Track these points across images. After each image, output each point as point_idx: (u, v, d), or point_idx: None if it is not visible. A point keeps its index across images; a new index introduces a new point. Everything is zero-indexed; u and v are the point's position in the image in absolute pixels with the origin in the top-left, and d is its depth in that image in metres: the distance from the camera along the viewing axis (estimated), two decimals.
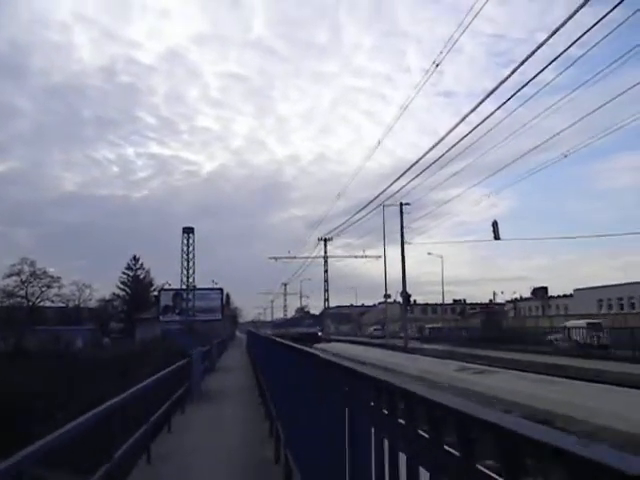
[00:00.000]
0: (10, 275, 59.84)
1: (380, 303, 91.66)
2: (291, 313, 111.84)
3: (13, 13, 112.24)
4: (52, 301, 64.77)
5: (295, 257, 65.03)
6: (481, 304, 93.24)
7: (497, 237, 30.05)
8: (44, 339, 50.14)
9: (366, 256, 61.33)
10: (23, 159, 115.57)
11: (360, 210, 43.66)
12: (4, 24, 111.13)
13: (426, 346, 39.61)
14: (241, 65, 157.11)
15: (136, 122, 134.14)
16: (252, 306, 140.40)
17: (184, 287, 35.59)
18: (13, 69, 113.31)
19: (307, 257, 64.90)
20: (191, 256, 34.49)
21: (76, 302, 67.02)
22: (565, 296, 66.38)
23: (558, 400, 11.00)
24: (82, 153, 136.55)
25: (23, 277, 61.07)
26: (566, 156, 21.04)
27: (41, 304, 63.95)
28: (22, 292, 61.62)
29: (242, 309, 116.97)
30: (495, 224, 30.21)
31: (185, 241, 34.25)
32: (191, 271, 35.03)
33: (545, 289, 72.75)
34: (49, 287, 63.03)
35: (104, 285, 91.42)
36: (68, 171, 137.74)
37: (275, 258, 65.48)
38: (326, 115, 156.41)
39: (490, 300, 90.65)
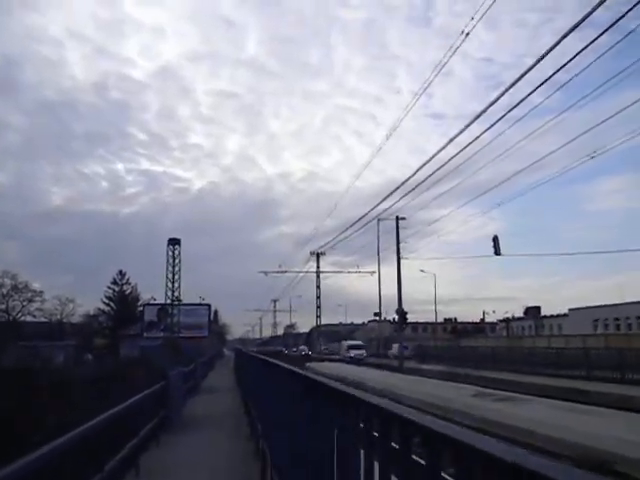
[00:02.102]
0: None
1: (370, 321, 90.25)
2: (280, 330, 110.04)
3: (6, 28, 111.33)
4: (34, 316, 62.75)
5: (286, 271, 63.56)
6: (472, 323, 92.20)
7: (497, 252, 28.99)
8: (22, 355, 48.23)
9: (360, 271, 60.01)
10: (11, 173, 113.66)
11: (350, 227, 42.56)
12: None
13: (424, 366, 37.83)
14: (233, 83, 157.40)
15: (127, 138, 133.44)
16: (241, 323, 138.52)
17: (169, 301, 34.08)
18: (4, 83, 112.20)
19: (299, 271, 63.48)
20: (177, 268, 33.22)
21: (58, 317, 64.99)
22: (559, 316, 65.39)
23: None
24: (72, 168, 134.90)
25: (4, 290, 59.14)
26: (593, 157, 20.32)
27: (22, 319, 61.86)
28: (2, 306, 59.59)
29: (230, 326, 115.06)
30: (496, 239, 29.17)
31: (171, 252, 32.97)
32: (176, 284, 33.67)
33: (538, 308, 71.81)
34: (31, 301, 61.18)
35: (89, 300, 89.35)
36: (57, 185, 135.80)
37: (265, 272, 63.98)
38: (317, 134, 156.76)
39: (481, 319, 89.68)
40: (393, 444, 1.93)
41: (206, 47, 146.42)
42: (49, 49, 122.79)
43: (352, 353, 56.07)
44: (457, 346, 50.94)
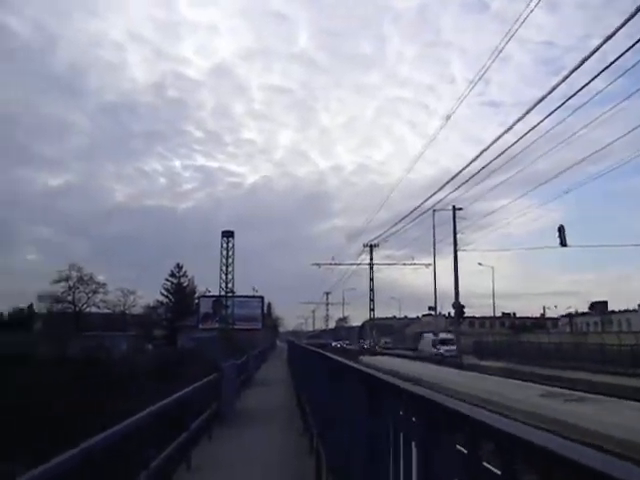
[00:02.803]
0: (59, 281, 60.77)
1: (425, 315, 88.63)
2: (332, 323, 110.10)
3: (72, 36, 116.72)
4: (98, 307, 65.46)
5: (339, 264, 62.99)
6: (531, 318, 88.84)
7: (563, 243, 27.36)
8: (88, 345, 50.34)
9: (415, 263, 58.57)
10: (77, 173, 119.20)
11: (403, 219, 41.49)
12: (64, 47, 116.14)
13: (484, 363, 36.21)
14: (285, 78, 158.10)
15: (183, 135, 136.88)
16: (293, 316, 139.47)
17: (223, 292, 34.46)
18: (71, 89, 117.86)
19: (352, 264, 62.79)
20: (230, 260, 33.49)
21: (121, 308, 67.46)
22: (628, 311, 61.82)
23: None
24: (132, 166, 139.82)
25: (71, 283, 61.88)
26: None
27: (87, 310, 64.68)
28: (69, 297, 62.40)
29: (283, 318, 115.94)
30: (562, 229, 27.51)
31: (225, 245, 33.31)
32: (230, 276, 33.92)
33: (605, 303, 68.21)
34: (95, 293, 63.76)
35: (149, 292, 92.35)
36: (119, 183, 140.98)
37: (318, 264, 63.65)
38: (368, 126, 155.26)
39: (541, 314, 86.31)
40: (459, 447, 1.76)
41: (258, 43, 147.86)
42: (111, 53, 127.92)
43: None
44: (517, 342, 48.65)
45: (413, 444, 2.30)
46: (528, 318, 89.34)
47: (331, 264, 62.79)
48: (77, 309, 62.87)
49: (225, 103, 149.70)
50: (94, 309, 65.42)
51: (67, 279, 61.24)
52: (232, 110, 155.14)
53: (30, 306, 67.03)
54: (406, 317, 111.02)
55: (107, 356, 44.40)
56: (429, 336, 53.67)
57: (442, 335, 49.62)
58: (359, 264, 61.50)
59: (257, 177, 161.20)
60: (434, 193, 33.55)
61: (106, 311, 66.16)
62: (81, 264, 62.84)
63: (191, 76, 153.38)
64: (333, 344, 78.61)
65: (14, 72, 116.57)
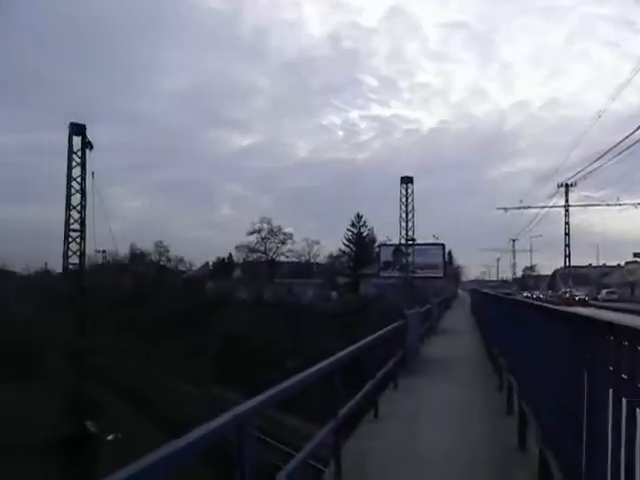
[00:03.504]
0: (252, 233, 66.79)
1: (629, 262, 78.21)
2: (519, 272, 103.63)
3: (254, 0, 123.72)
4: (286, 256, 70.63)
5: (528, 207, 57.34)
6: None
7: None
8: (279, 291, 54.86)
9: (622, 204, 50.71)
10: (263, 133, 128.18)
11: (602, 156, 35.76)
12: (248, 13, 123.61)
13: None
14: (461, 12, 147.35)
15: (359, 85, 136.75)
16: (475, 264, 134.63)
17: (403, 240, 34.03)
18: (255, 51, 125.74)
19: (543, 207, 56.73)
20: (410, 207, 32.71)
21: (306, 257, 71.84)
22: None
23: None
24: (312, 121, 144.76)
25: (262, 234, 67.50)
26: None
27: (277, 259, 70.22)
28: (262, 248, 68.27)
29: (464, 267, 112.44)
30: None
31: (404, 191, 32.58)
32: (410, 223, 33.26)
33: None
34: (283, 243, 68.73)
35: (332, 242, 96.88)
36: (301, 139, 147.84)
37: (505, 209, 58.89)
38: (558, 54, 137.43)
39: None
40: None
41: None
42: (289, 12, 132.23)
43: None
44: None
45: None
46: None
47: (519, 208, 57.74)
48: (268, 258, 68.58)
49: (399, 47, 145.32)
50: (283, 258, 70.86)
51: (259, 231, 67.04)
52: (406, 53, 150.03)
53: (230, 256, 75.09)
54: (605, 265, 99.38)
55: (296, 301, 47.95)
56: None
57: None
58: (551, 207, 55.56)
59: (434, 121, 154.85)
60: None
61: (293, 260, 71.19)
62: (270, 217, 67.93)
63: (365, 24, 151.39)
64: (524, 294, 73.64)
65: (208, 42, 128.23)
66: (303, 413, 22.24)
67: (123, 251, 69.77)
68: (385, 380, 8.39)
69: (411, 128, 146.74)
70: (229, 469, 2.82)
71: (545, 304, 5.62)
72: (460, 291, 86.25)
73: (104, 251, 54.42)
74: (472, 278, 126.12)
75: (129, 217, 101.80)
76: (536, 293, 76.13)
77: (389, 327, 9.20)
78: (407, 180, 33.20)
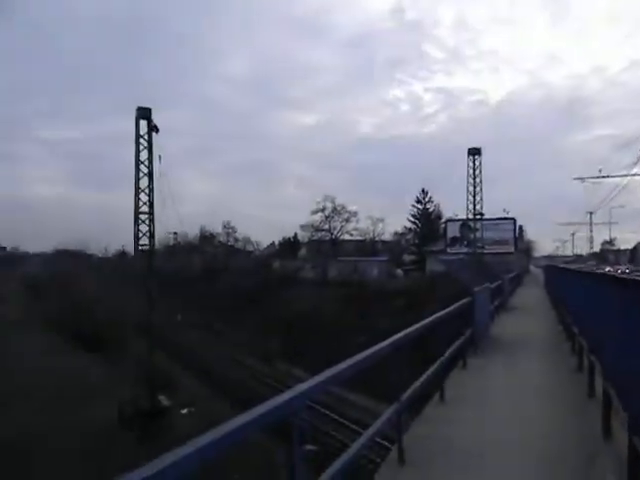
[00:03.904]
0: (316, 211, 66.74)
1: None
2: (597, 247, 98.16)
3: None
4: (351, 234, 70.23)
5: (607, 176, 53.32)
6: None
7: None
8: (344, 269, 54.82)
9: None
10: (327, 111, 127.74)
11: None
12: None
13: None
14: None
15: (423, 57, 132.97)
16: (548, 239, 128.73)
17: (470, 214, 32.65)
18: (318, 29, 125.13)
19: (624, 175, 52.63)
20: (478, 180, 31.25)
21: (371, 235, 71.15)
22: None
23: None
24: (375, 96, 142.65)
25: (326, 213, 67.35)
26: None
27: (341, 237, 70.04)
28: (326, 226, 68.23)
29: (536, 242, 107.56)
30: None
31: (471, 164, 31.13)
32: (478, 197, 31.82)
33: None
34: (347, 221, 68.25)
35: (397, 219, 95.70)
36: (364, 115, 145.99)
37: (582, 179, 55.17)
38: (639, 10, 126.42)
39: None
40: None
41: None
42: None
43: None
44: None
45: None
46: None
47: (598, 177, 53.83)
48: (332, 237, 68.48)
49: (465, 14, 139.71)
50: (347, 236, 70.51)
51: (323, 209, 66.86)
52: (473, 20, 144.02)
53: (295, 236, 75.73)
54: None
55: (361, 279, 47.73)
56: None
57: None
58: (634, 175, 51.40)
59: (503, 91, 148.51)
60: None
61: (358, 238, 70.67)
62: (334, 195, 67.65)
63: None
64: (607, 269, 69.14)
65: (272, 23, 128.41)
66: (369, 392, 22.13)
67: (194, 232, 72.46)
68: (452, 360, 7.93)
69: (479, 99, 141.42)
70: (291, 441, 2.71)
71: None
72: (532, 267, 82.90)
73: (175, 233, 56.26)
74: (545, 254, 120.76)
75: (199, 199, 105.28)
76: (621, 268, 71.55)
77: (456, 304, 8.71)
78: (475, 152, 31.67)
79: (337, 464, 3.35)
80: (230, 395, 28.36)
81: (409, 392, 5.15)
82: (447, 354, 7.26)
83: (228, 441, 2.04)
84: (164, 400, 22.72)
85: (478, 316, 10.53)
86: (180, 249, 68.55)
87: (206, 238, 73.77)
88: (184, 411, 27.35)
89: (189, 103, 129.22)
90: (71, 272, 38.09)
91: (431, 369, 6.41)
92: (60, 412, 17.99)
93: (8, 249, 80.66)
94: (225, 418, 2.18)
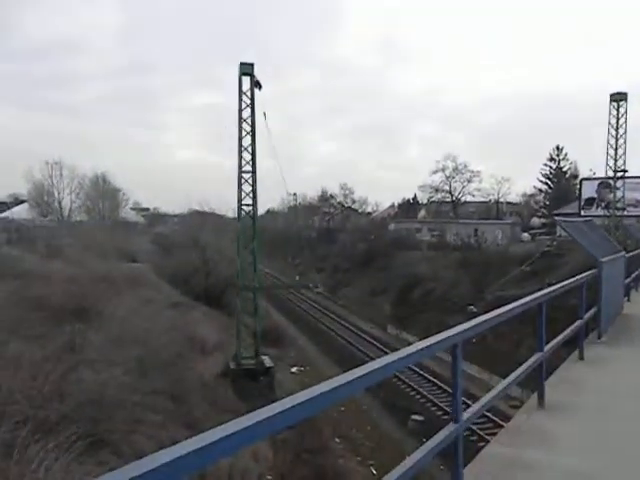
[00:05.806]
0: (436, 171, 63.72)
1: None
2: None
3: None
4: (473, 195, 66.22)
5: None
6: None
7: None
8: (464, 232, 51.90)
9: None
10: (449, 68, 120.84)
11: None
12: None
13: None
14: None
15: None
16: None
17: (610, 172, 28.24)
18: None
19: None
20: (621, 131, 26.71)
21: (495, 197, 66.53)
22: None
23: None
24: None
25: (447, 173, 64.02)
26: None
27: (463, 199, 66.34)
28: (446, 187, 64.99)
29: None
30: None
31: (614, 111, 26.57)
32: (620, 151, 27.31)
33: None
34: (469, 182, 64.38)
35: (526, 179, 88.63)
36: (486, 71, 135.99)
37: None
38: None
39: None
40: None
41: None
42: None
43: None
44: None
45: None
46: None
47: None
48: (453, 198, 65.06)
49: None
50: (469, 198, 66.61)
51: (443, 169, 63.59)
52: None
53: (414, 197, 73.25)
54: None
55: (481, 243, 44.76)
56: None
57: None
58: None
59: None
60: None
61: (481, 199, 66.45)
62: (457, 154, 63.92)
63: None
64: None
65: None
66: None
67: (315, 193, 73.47)
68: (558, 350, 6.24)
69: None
70: None
71: None
72: None
73: (295, 194, 56.83)
74: None
75: (322, 160, 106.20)
76: None
77: (572, 279, 6.97)
78: (619, 97, 27.00)
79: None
80: (337, 354, 28.50)
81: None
82: (552, 344, 5.57)
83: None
84: (267, 361, 23.03)
85: (606, 293, 8.56)
86: (300, 210, 69.63)
87: (325, 199, 74.28)
88: (294, 369, 27.84)
89: (316, 63, 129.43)
90: (198, 231, 40.37)
91: (521, 368, 4.72)
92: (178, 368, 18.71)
93: (151, 210, 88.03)
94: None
